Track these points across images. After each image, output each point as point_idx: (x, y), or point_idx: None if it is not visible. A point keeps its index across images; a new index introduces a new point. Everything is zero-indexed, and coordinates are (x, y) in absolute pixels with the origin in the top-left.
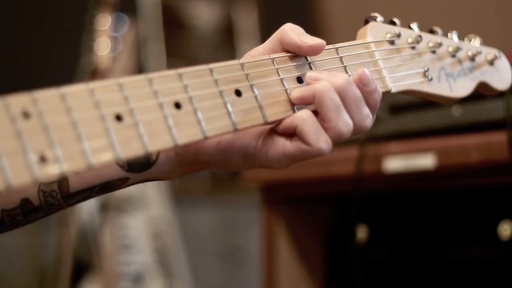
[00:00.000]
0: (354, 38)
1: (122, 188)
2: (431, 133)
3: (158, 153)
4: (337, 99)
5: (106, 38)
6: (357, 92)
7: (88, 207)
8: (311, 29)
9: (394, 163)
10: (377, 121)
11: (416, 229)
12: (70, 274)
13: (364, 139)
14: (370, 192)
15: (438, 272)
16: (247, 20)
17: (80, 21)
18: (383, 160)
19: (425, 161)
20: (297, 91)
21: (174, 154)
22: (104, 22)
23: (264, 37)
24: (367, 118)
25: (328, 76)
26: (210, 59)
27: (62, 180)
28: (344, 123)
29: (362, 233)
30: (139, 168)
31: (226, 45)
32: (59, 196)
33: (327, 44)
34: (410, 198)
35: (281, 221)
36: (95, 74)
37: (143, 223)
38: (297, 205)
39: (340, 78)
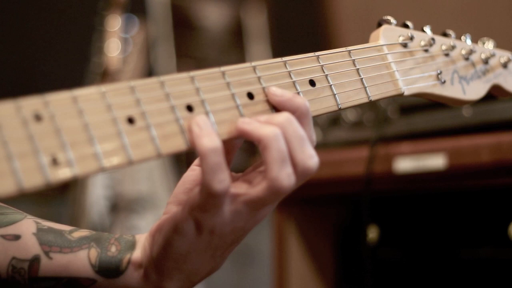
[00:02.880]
0: (363, 39)
1: None
2: (441, 133)
3: (128, 262)
4: (283, 149)
5: (116, 39)
6: (300, 130)
7: (98, 208)
8: (320, 31)
9: (405, 164)
10: (388, 121)
11: (427, 229)
12: None
13: (375, 140)
14: (381, 192)
15: (448, 272)
16: (256, 21)
17: (90, 22)
18: (394, 161)
19: (436, 161)
20: (245, 125)
21: (143, 270)
22: (114, 23)
23: (273, 38)
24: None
25: (268, 116)
26: (220, 60)
27: (34, 262)
28: (286, 176)
29: (372, 233)
30: (109, 273)
31: (235, 46)
32: (26, 276)
33: (339, 47)
34: (421, 198)
35: (292, 222)
36: (105, 75)
37: (153, 224)
38: (308, 206)
39: (281, 115)
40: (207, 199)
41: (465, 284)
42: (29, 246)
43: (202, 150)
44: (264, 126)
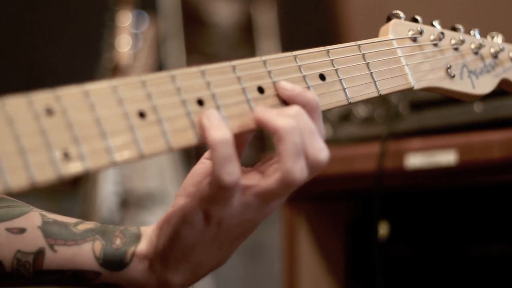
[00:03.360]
0: (373, 36)
1: (93, 284)
2: (452, 129)
3: (133, 254)
4: (298, 141)
5: (127, 35)
6: (311, 124)
7: (108, 205)
8: (330, 27)
9: (416, 160)
10: (399, 117)
11: (437, 225)
12: None
13: (386, 136)
14: (392, 188)
15: (458, 268)
16: (266, 17)
17: (101, 18)
18: (405, 157)
19: (447, 157)
20: (262, 114)
21: (148, 262)
22: (125, 19)
23: (283, 35)
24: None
25: (279, 110)
26: (229, 56)
27: (39, 255)
28: (299, 168)
29: (383, 229)
30: (113, 265)
31: (245, 42)
32: (31, 269)
33: (349, 41)
34: (432, 194)
35: (303, 218)
36: (115, 70)
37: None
38: (318, 202)
39: (292, 108)
40: (216, 191)
41: (475, 280)
42: (34, 239)
43: (212, 141)
44: (280, 117)
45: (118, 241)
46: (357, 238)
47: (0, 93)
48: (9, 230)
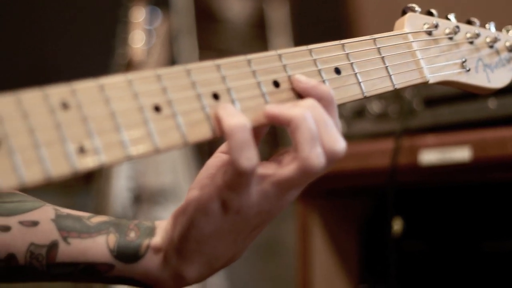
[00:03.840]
0: (387, 31)
1: (105, 276)
2: (467, 125)
3: (147, 247)
4: (314, 129)
5: (140, 30)
6: (325, 115)
7: (121, 200)
8: (343, 23)
9: (430, 156)
10: (413, 113)
11: (452, 222)
12: None
13: (400, 132)
14: (406, 184)
15: (473, 265)
16: (279, 13)
17: (114, 14)
18: (419, 153)
19: (461, 154)
20: (274, 108)
21: (163, 254)
22: (138, 15)
23: (295, 31)
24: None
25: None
26: (242, 52)
27: (52, 247)
28: (316, 155)
29: (397, 225)
30: (127, 258)
31: (258, 38)
32: (44, 262)
33: (362, 36)
34: (446, 191)
35: (316, 214)
36: (129, 66)
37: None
38: (332, 198)
39: (306, 101)
40: (234, 178)
41: (489, 276)
42: (48, 232)
43: (229, 127)
44: (292, 108)
45: (132, 234)
46: (371, 235)
47: (14, 88)
48: (22, 223)
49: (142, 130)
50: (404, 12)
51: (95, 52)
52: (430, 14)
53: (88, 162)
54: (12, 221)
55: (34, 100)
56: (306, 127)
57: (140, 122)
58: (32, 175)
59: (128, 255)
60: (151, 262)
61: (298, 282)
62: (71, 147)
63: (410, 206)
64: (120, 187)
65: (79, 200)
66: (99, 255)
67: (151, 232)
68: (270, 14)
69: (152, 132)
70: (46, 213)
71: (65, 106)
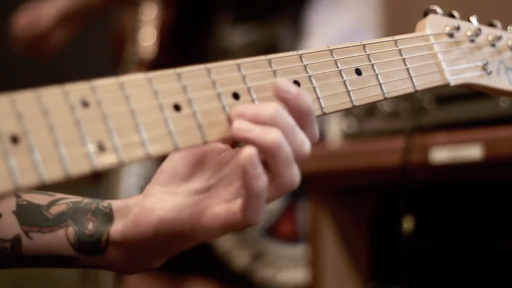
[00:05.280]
0: (398, 33)
1: (73, 266)
2: (478, 123)
3: (107, 241)
4: (289, 150)
5: (152, 28)
6: (289, 120)
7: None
8: None
9: (441, 154)
10: (424, 111)
11: (463, 220)
12: None
13: (411, 130)
14: (417, 183)
15: (484, 264)
16: None
17: (125, 11)
18: (430, 151)
19: (472, 152)
20: (241, 129)
21: (124, 247)
22: (150, 12)
23: None
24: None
25: (256, 108)
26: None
27: (16, 241)
28: (296, 174)
29: (408, 224)
30: (89, 251)
31: None
32: (11, 255)
33: (376, 37)
34: (457, 189)
35: (327, 212)
36: (140, 64)
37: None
38: (343, 196)
39: (270, 108)
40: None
41: (501, 276)
42: (10, 226)
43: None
44: (266, 132)
45: (90, 226)
46: (382, 233)
47: (29, 86)
48: None
49: (162, 129)
50: (425, 14)
51: (105, 50)
52: (452, 16)
53: (107, 160)
54: None
55: (54, 97)
56: (283, 153)
57: (160, 121)
58: (52, 172)
59: (89, 249)
60: (114, 256)
61: (308, 280)
62: (90, 145)
63: (421, 205)
64: (130, 185)
65: (87, 197)
66: (61, 249)
67: (109, 219)
68: None
69: (172, 131)
70: (8, 202)
71: (85, 103)
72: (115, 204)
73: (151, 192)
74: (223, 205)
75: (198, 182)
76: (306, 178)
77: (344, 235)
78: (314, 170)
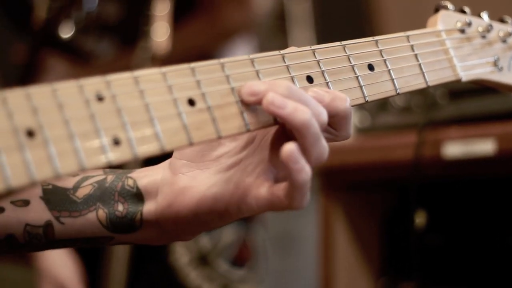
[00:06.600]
0: (408, 28)
1: (110, 244)
2: (491, 118)
3: (141, 220)
4: (318, 128)
5: (165, 23)
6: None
7: None
8: (365, 17)
9: (454, 149)
10: (437, 106)
11: (475, 215)
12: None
13: (424, 125)
14: (429, 177)
15: (496, 259)
16: (300, 6)
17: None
18: (442, 146)
19: (485, 146)
20: (274, 103)
21: (159, 226)
22: (163, 7)
23: (317, 24)
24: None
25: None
26: (262, 45)
27: (48, 227)
28: (324, 149)
29: (420, 219)
30: (123, 230)
31: (278, 30)
32: (44, 240)
33: (384, 33)
34: (469, 184)
35: (339, 207)
36: (153, 60)
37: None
38: (355, 191)
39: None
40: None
41: None
42: (39, 212)
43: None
44: (296, 110)
45: (120, 207)
46: (394, 228)
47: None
48: (13, 203)
49: (176, 123)
50: (437, 10)
51: None
52: (463, 12)
53: (122, 154)
54: (4, 202)
55: (69, 91)
56: (312, 131)
57: (174, 115)
58: (67, 165)
59: (124, 228)
60: (149, 233)
61: (320, 276)
62: (105, 138)
63: (433, 199)
64: None
65: None
66: (96, 231)
67: (139, 201)
68: (291, 7)
69: (186, 125)
70: (33, 189)
71: (99, 98)
72: (141, 182)
73: (179, 168)
74: (267, 186)
75: (227, 156)
76: (319, 173)
77: (356, 230)
78: (326, 165)
